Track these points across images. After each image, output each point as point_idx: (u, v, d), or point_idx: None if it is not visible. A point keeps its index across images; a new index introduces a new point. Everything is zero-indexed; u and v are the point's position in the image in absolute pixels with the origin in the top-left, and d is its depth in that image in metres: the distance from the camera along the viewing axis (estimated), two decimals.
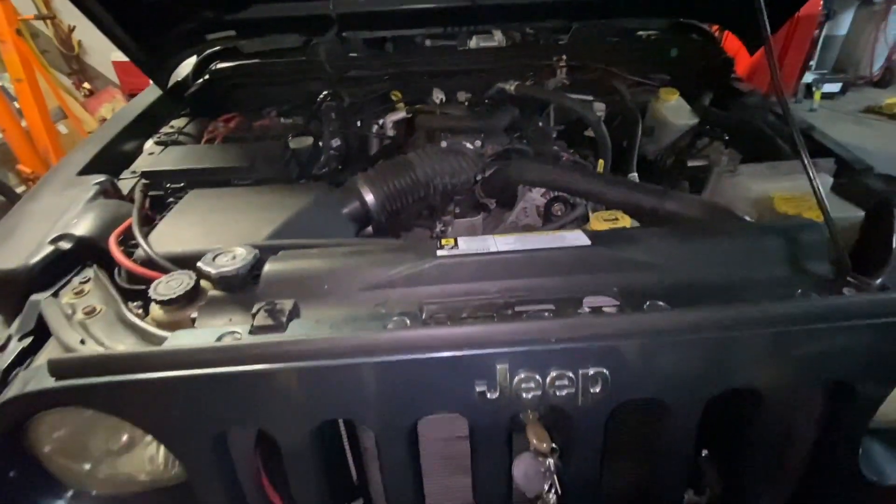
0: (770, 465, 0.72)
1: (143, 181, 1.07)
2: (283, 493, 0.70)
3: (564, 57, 1.53)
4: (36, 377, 0.62)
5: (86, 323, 0.71)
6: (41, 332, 0.72)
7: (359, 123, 1.45)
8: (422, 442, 0.68)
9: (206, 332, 0.64)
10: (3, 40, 2.77)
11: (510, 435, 0.65)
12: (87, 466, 0.72)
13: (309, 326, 0.65)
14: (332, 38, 1.48)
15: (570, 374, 0.58)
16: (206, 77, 1.58)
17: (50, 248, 0.83)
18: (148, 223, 0.96)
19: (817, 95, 4.88)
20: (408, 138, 1.43)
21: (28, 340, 0.72)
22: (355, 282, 0.71)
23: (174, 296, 0.70)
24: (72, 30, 4.43)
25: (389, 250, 0.75)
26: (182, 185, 1.07)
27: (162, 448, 0.71)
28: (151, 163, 1.16)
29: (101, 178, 1.03)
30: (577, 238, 0.74)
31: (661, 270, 0.71)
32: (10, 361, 0.68)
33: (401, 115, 1.45)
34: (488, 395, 0.58)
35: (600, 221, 0.88)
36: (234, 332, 0.63)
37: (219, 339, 0.62)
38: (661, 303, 0.65)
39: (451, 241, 0.75)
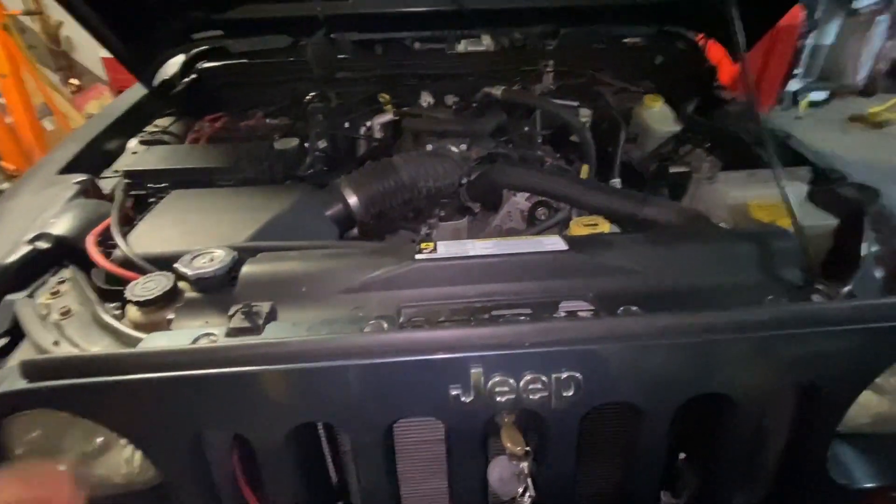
0: (743, 467, 0.74)
1: (125, 181, 1.06)
2: (260, 494, 0.69)
3: (551, 62, 1.55)
4: (8, 378, 0.61)
5: (61, 324, 0.70)
6: (15, 333, 0.72)
7: (346, 125, 1.45)
8: (398, 445, 0.68)
9: (181, 334, 0.64)
10: None
11: (486, 438, 0.66)
12: (62, 468, 0.71)
13: (286, 329, 0.65)
14: (320, 40, 1.48)
15: (544, 378, 0.59)
16: (193, 76, 1.58)
17: (27, 248, 0.82)
18: (127, 223, 0.95)
19: (803, 104, 4.97)
20: (395, 141, 1.43)
21: (2, 341, 0.72)
22: (333, 284, 0.71)
23: (151, 297, 0.69)
24: (60, 25, 4.38)
25: (368, 253, 0.75)
26: (165, 185, 1.06)
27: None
28: (134, 162, 1.15)
29: (81, 177, 1.02)
30: (554, 243, 0.75)
31: (636, 276, 0.72)
32: None
33: (388, 117, 1.45)
34: (463, 399, 0.59)
35: (580, 227, 0.89)
36: (210, 335, 0.63)
37: (194, 341, 0.62)
38: (634, 308, 0.66)
39: (431, 245, 0.75)
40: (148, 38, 1.40)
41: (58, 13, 4.25)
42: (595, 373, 0.59)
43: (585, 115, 1.43)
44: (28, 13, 4.16)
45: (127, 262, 0.79)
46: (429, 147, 1.26)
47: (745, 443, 0.71)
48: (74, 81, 4.42)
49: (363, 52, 1.66)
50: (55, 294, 0.77)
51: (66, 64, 4.55)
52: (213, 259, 0.72)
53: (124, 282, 0.75)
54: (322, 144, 1.34)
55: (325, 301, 0.70)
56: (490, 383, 0.58)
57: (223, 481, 0.67)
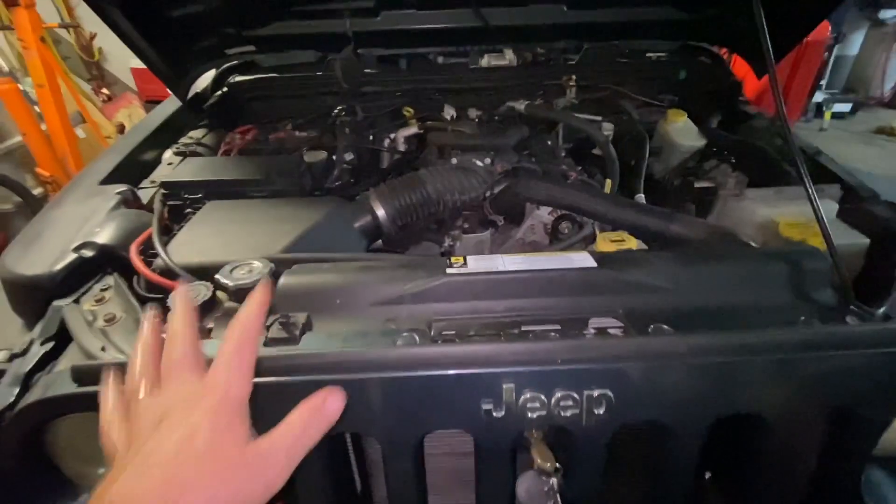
0: (772, 490, 0.73)
1: (163, 191, 1.11)
2: (287, 500, 0.71)
3: (574, 76, 1.57)
4: (57, 382, 0.64)
5: (106, 330, 0.73)
6: (62, 338, 0.75)
7: (371, 138, 1.48)
8: (427, 456, 0.69)
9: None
10: (28, 47, 2.86)
11: (514, 453, 0.67)
12: (101, 471, 0.74)
13: (321, 340, 0.67)
14: (347, 55, 1.52)
15: (575, 395, 0.59)
16: (225, 89, 1.63)
17: (73, 256, 0.85)
18: (167, 232, 0.99)
19: (827, 115, 4.89)
20: (419, 153, 1.46)
21: (50, 345, 0.75)
22: (367, 297, 0.73)
23: None
24: (93, 37, 4.56)
25: (401, 267, 0.77)
26: (200, 195, 1.10)
27: None
28: (170, 174, 1.19)
29: (122, 187, 1.06)
30: (583, 259, 0.76)
31: (665, 294, 0.72)
32: (31, 365, 0.70)
33: (413, 130, 1.48)
34: (494, 414, 0.60)
35: (607, 242, 0.90)
36: None
37: None
38: (665, 326, 0.67)
39: (461, 260, 0.77)
40: (184, 53, 1.46)
41: (91, 25, 4.43)
42: (626, 391, 0.60)
43: (608, 129, 1.44)
44: (64, 26, 4.33)
45: (167, 272, 0.82)
46: (454, 160, 1.28)
47: (775, 465, 0.70)
48: (105, 91, 4.59)
49: (388, 67, 1.70)
50: (100, 301, 0.80)
51: (97, 74, 4.73)
52: (251, 270, 0.75)
53: (165, 290, 0.78)
54: (349, 157, 1.38)
55: (358, 313, 0.72)
56: (522, 399, 0.59)
57: None
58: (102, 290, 0.83)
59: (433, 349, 0.62)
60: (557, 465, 0.62)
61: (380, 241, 1.13)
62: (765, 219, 0.96)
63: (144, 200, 1.10)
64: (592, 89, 1.56)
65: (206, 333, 0.72)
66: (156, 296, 0.81)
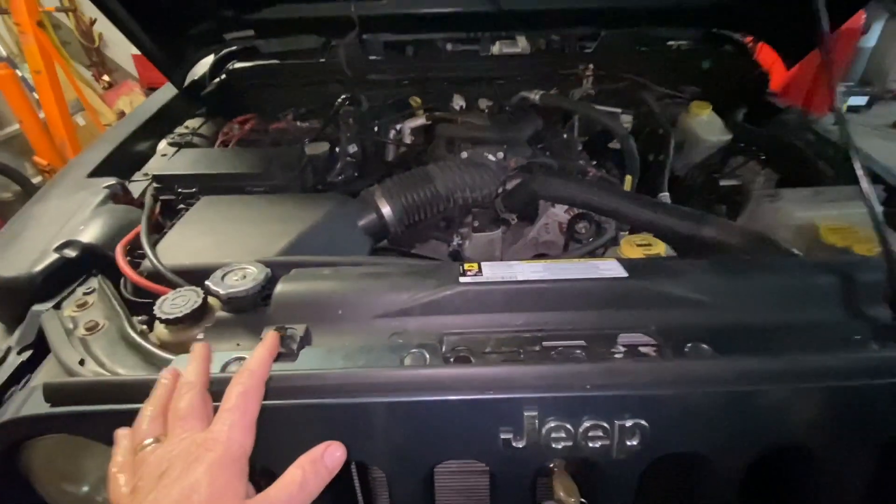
0: None
1: (154, 185, 1.04)
2: None
3: (591, 66, 1.48)
4: (31, 400, 0.58)
5: (87, 340, 0.67)
6: (41, 346, 0.69)
7: (376, 129, 1.41)
8: (438, 486, 0.63)
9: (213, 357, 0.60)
10: (24, 32, 2.77)
11: (534, 483, 0.60)
12: (85, 489, 0.69)
13: (321, 356, 0.60)
14: (352, 41, 1.43)
15: (605, 425, 0.53)
16: (223, 77, 1.55)
17: (54, 256, 0.79)
18: (158, 229, 0.92)
19: (843, 108, 4.75)
20: (426, 146, 1.38)
21: (27, 354, 0.69)
22: (371, 307, 0.66)
23: (180, 314, 0.65)
24: (93, 22, 4.46)
25: (409, 274, 0.70)
26: (194, 189, 1.03)
27: None
28: (164, 166, 1.12)
29: (111, 181, 1.00)
30: (611, 268, 0.68)
31: (703, 308, 0.65)
32: (6, 378, 0.65)
33: (420, 121, 1.40)
34: (514, 444, 0.53)
35: (632, 247, 0.82)
36: (241, 359, 0.59)
37: (224, 366, 0.58)
38: (704, 345, 0.60)
39: (475, 267, 0.70)
40: (179, 37, 1.38)
41: (91, 10, 4.33)
42: (663, 421, 0.53)
43: (626, 120, 1.35)
44: (62, 9, 4.24)
45: (156, 275, 0.76)
46: (464, 154, 1.20)
47: (820, 498, 0.63)
48: (106, 77, 4.50)
49: (395, 55, 1.62)
50: (82, 306, 0.74)
51: (98, 60, 4.64)
52: (245, 276, 0.68)
53: (153, 294, 0.72)
54: (353, 149, 1.30)
55: (362, 325, 0.65)
56: (545, 428, 0.53)
57: None
58: (86, 293, 0.76)
59: (445, 371, 0.55)
60: (583, 500, 0.56)
61: (384, 240, 1.06)
62: (803, 222, 0.88)
63: (136, 194, 1.04)
64: (610, 79, 1.47)
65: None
66: (143, 300, 0.75)
